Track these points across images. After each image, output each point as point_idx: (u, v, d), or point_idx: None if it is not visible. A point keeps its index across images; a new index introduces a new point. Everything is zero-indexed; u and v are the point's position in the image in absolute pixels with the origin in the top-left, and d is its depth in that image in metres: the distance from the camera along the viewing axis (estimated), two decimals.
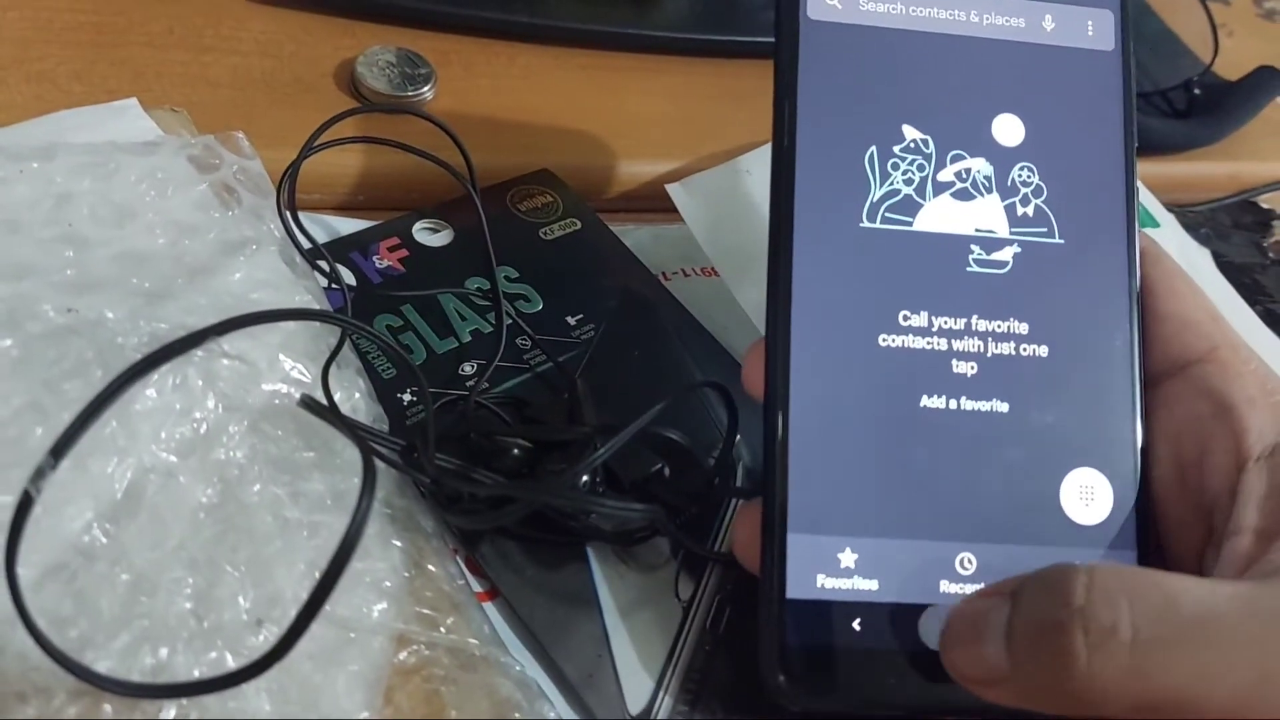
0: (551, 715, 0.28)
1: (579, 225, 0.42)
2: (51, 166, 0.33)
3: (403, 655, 0.28)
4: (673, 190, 0.40)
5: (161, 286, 0.31)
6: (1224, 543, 0.25)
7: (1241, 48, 0.62)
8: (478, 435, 0.32)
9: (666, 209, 0.40)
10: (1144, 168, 0.30)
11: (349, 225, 0.40)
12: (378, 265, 0.38)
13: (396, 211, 0.41)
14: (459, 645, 0.28)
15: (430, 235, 0.40)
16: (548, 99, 0.47)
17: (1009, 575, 0.24)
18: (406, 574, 0.29)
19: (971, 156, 0.29)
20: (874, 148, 0.29)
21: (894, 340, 0.28)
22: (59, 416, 0.25)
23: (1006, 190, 0.29)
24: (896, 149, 0.29)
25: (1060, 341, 0.29)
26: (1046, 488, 0.28)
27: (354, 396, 0.32)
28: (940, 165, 0.29)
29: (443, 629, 0.29)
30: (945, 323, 0.28)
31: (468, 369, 0.35)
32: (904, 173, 0.29)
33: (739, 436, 0.32)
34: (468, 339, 0.36)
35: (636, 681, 0.29)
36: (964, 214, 0.29)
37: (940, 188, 0.29)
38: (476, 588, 0.31)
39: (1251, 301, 0.48)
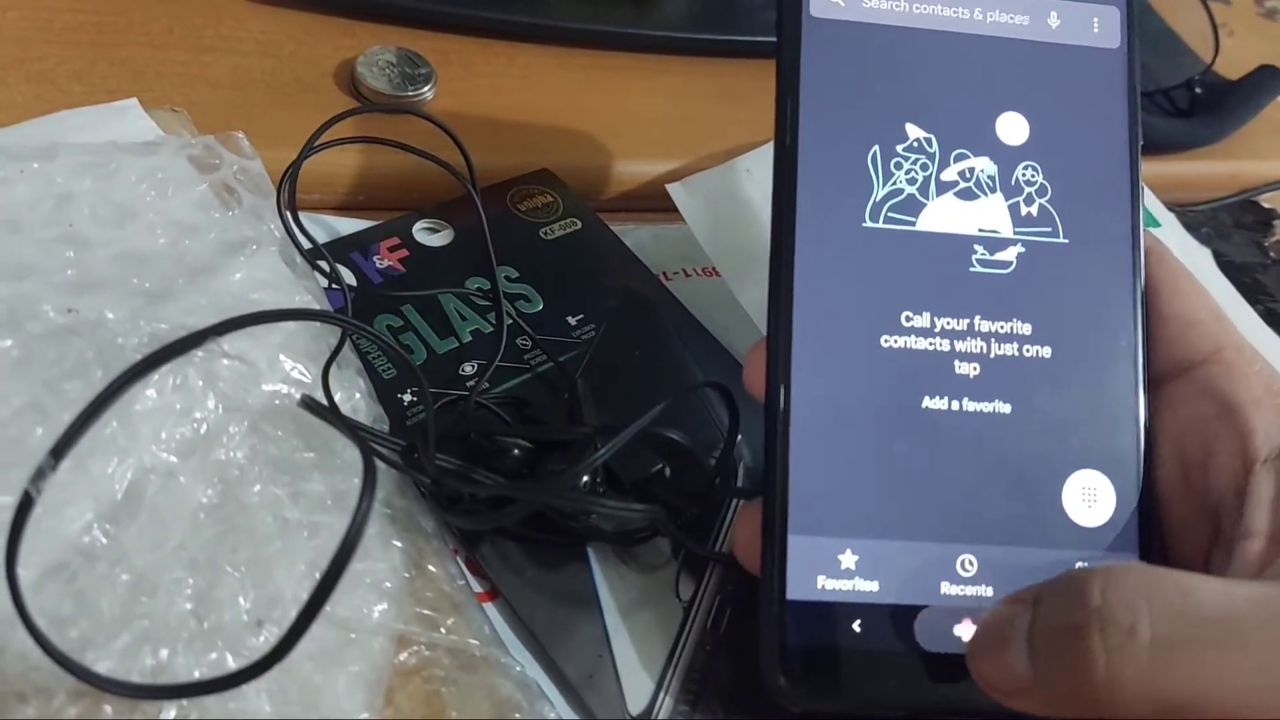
0: (552, 716, 0.28)
1: (579, 225, 0.42)
2: (52, 167, 0.33)
3: (403, 656, 0.28)
4: (673, 190, 0.40)
5: (162, 287, 0.31)
6: (1235, 546, 0.25)
7: (1242, 47, 0.62)
8: (478, 435, 0.32)
9: (667, 209, 0.40)
10: (1145, 167, 0.30)
11: (349, 225, 0.40)
12: (378, 265, 0.38)
13: (397, 211, 0.41)
14: (459, 646, 0.28)
15: (430, 235, 0.40)
16: (548, 99, 0.47)
17: (1010, 577, 0.24)
18: (407, 574, 0.29)
19: (975, 155, 0.29)
20: (877, 147, 0.29)
21: (896, 341, 0.28)
22: (59, 417, 0.25)
23: (1010, 189, 0.29)
24: (899, 148, 0.29)
25: (1064, 342, 0.29)
26: (1048, 490, 0.28)
27: (354, 397, 0.32)
28: (944, 164, 0.29)
29: (443, 629, 0.29)
30: (948, 323, 0.28)
31: (468, 369, 0.35)
32: (907, 172, 0.29)
33: (740, 437, 0.32)
34: (468, 339, 0.36)
35: (637, 682, 0.29)
36: (967, 214, 0.29)
37: (944, 187, 0.29)
38: (477, 588, 0.31)
39: (1253, 301, 0.48)
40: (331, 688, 0.26)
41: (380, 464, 0.28)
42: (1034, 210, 0.29)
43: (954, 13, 0.30)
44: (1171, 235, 0.50)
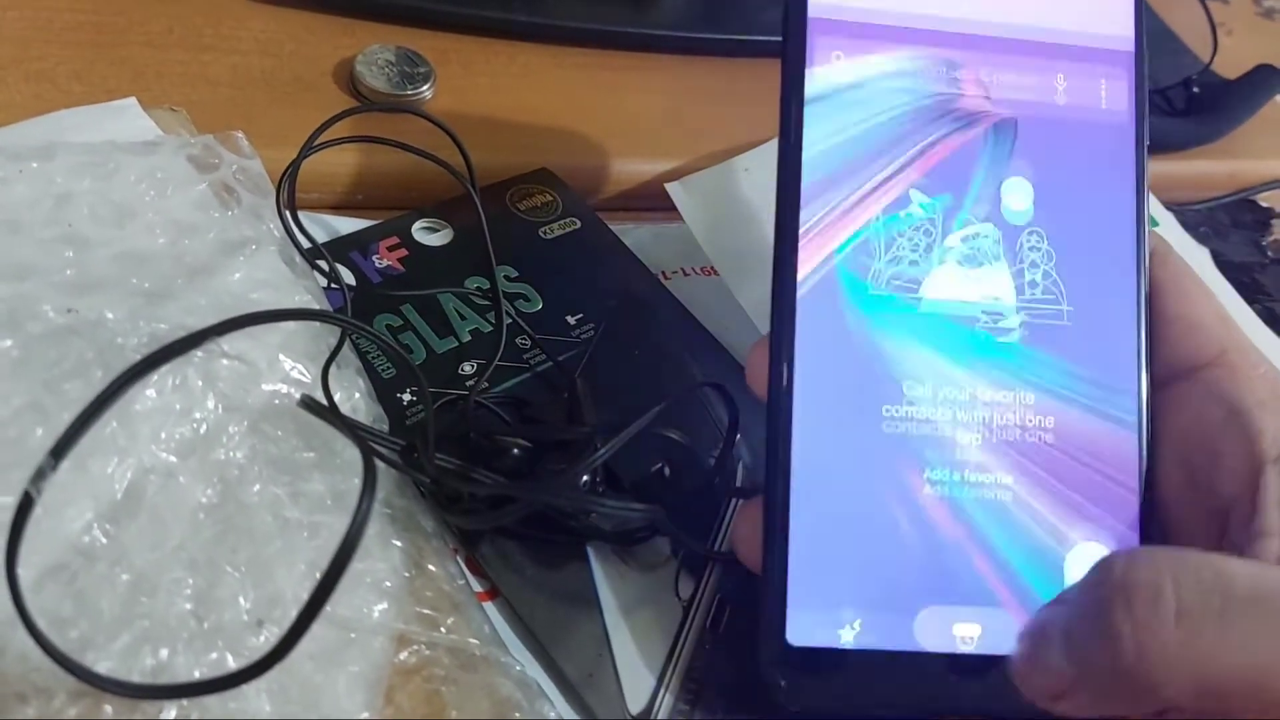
0: (552, 715, 0.28)
1: (578, 224, 0.42)
2: (51, 166, 0.33)
3: (403, 655, 0.28)
4: (672, 189, 0.40)
5: (161, 286, 0.31)
6: (1250, 546, 0.25)
7: (1240, 46, 0.62)
8: (478, 435, 0.32)
9: (666, 208, 0.40)
10: None
11: (348, 225, 0.40)
12: (377, 265, 0.38)
13: (396, 211, 0.41)
14: (459, 645, 0.28)
15: (430, 235, 0.40)
16: (547, 98, 0.47)
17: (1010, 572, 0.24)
18: (407, 574, 0.29)
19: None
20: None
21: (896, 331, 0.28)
22: (59, 417, 0.25)
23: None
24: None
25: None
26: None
27: (354, 396, 0.32)
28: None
29: (443, 629, 0.29)
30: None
31: (467, 368, 0.35)
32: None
33: (739, 436, 0.32)
34: (467, 338, 0.36)
35: (637, 681, 0.29)
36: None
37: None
38: (477, 587, 0.31)
39: (1250, 300, 0.48)
40: (332, 687, 0.26)
41: (380, 464, 0.28)
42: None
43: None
44: (1169, 234, 0.50)
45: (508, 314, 0.37)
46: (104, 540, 0.26)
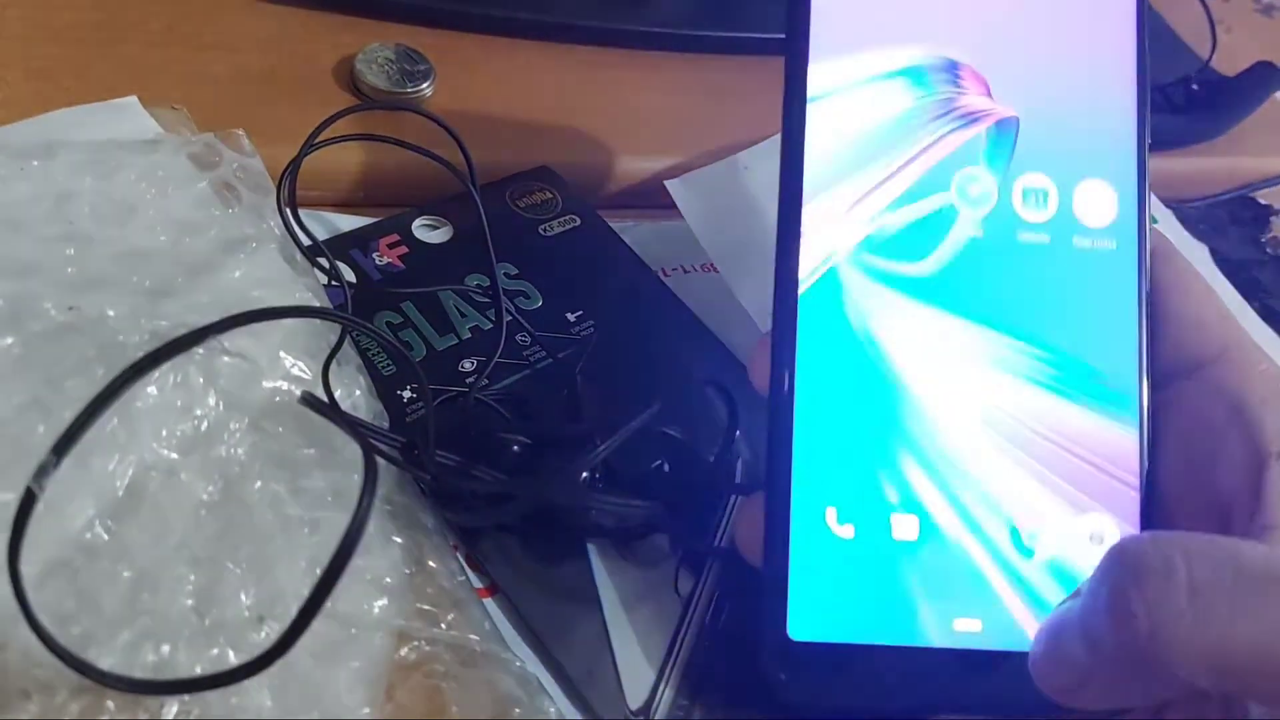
0: (552, 711, 0.28)
1: (578, 222, 0.42)
2: (52, 165, 0.33)
3: (404, 651, 0.28)
4: (672, 187, 0.40)
5: (162, 284, 0.31)
6: (1256, 540, 0.25)
7: (1239, 43, 0.62)
8: (478, 432, 0.32)
9: (666, 205, 0.40)
10: None
11: (349, 222, 0.40)
12: (378, 262, 0.38)
13: (396, 208, 0.41)
14: (460, 641, 0.28)
15: (430, 232, 0.40)
16: (547, 95, 0.47)
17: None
18: (407, 571, 0.29)
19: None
20: None
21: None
22: (61, 414, 0.25)
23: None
24: None
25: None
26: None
27: (354, 393, 0.32)
28: None
29: (443, 625, 0.29)
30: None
31: (468, 366, 0.35)
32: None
33: (738, 432, 0.32)
34: (467, 336, 0.36)
35: (637, 677, 0.29)
36: None
37: None
38: (477, 584, 0.31)
39: (1249, 298, 0.48)
40: (332, 683, 0.26)
41: (380, 460, 0.28)
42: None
43: None
44: (1168, 231, 0.50)
45: (508, 311, 0.37)
46: (106, 537, 0.26)
